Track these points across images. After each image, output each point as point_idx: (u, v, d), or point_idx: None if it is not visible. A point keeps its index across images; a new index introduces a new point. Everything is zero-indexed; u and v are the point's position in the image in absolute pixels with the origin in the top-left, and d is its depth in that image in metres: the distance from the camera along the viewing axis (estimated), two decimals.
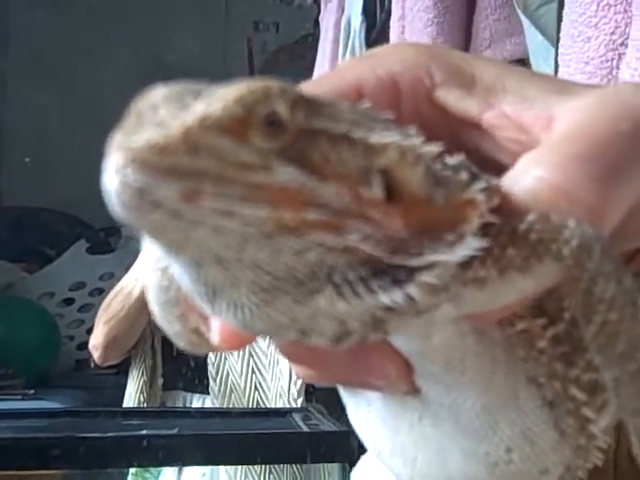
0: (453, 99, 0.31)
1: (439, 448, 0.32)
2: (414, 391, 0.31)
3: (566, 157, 0.28)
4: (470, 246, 0.27)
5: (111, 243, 2.60)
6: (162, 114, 0.25)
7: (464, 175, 0.28)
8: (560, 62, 0.53)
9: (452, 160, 0.28)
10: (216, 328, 0.30)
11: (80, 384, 2.32)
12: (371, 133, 0.27)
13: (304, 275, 0.26)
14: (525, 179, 0.28)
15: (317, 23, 1.87)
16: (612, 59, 0.48)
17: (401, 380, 0.30)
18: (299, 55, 2.47)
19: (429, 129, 0.29)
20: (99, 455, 1.26)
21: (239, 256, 0.26)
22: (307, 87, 0.31)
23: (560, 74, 0.52)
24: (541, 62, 0.66)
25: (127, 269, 1.66)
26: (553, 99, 0.30)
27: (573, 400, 0.30)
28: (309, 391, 1.64)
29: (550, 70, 0.58)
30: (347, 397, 0.35)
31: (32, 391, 2.17)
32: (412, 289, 0.26)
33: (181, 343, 0.35)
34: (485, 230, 0.27)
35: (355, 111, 0.28)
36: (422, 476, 0.33)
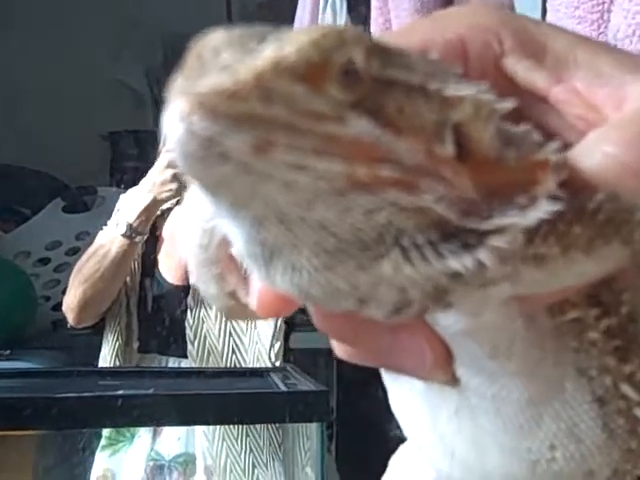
0: (521, 69, 0.29)
1: (476, 442, 0.31)
2: (453, 382, 0.29)
3: (637, 135, 0.26)
4: (543, 209, 0.25)
5: (87, 202, 2.57)
6: (226, 58, 0.23)
7: (535, 136, 0.26)
8: (548, 7, 0.51)
9: (521, 128, 0.27)
10: (256, 292, 0.29)
11: (56, 344, 2.31)
12: (446, 85, 0.26)
13: (371, 238, 0.25)
14: (593, 155, 0.26)
15: None
16: (603, 2, 0.46)
17: (439, 367, 0.29)
18: (281, 11, 2.43)
19: None
20: (74, 415, 1.25)
21: (305, 214, 0.24)
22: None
23: (548, 19, 0.51)
24: (527, 11, 0.65)
25: (102, 228, 1.65)
26: (627, 78, 0.28)
27: (625, 399, 0.29)
28: (287, 352, 1.65)
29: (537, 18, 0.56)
30: (389, 382, 0.34)
31: (8, 351, 2.15)
32: (483, 254, 0.25)
33: (216, 306, 0.34)
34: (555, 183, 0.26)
35: (428, 62, 0.27)
36: (461, 470, 0.32)
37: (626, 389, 0.29)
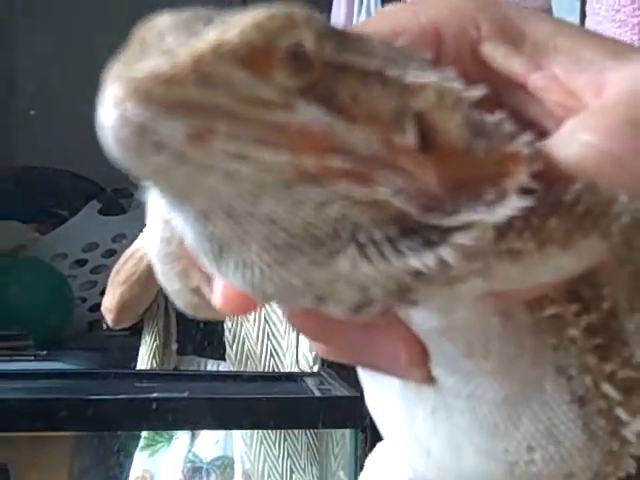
0: (499, 55, 0.28)
1: (452, 443, 0.29)
2: (430, 380, 0.28)
3: (618, 121, 0.25)
4: (512, 205, 0.24)
5: (123, 204, 2.59)
6: (169, 41, 0.22)
7: (507, 127, 0.25)
8: (588, 11, 0.50)
9: (493, 117, 0.25)
10: (219, 289, 0.27)
11: (92, 346, 2.32)
12: (407, 71, 0.24)
13: (324, 233, 0.23)
14: (571, 144, 0.25)
15: None
16: None
17: (414, 365, 0.28)
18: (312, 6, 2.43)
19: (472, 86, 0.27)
20: (109, 417, 1.26)
21: (252, 208, 0.23)
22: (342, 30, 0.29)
23: (587, 24, 0.50)
24: (565, 15, 0.64)
25: (139, 231, 1.66)
26: (608, 64, 0.27)
27: (606, 398, 0.27)
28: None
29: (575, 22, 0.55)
30: (365, 378, 0.32)
31: (44, 352, 2.17)
32: (446, 252, 0.23)
33: (180, 303, 0.32)
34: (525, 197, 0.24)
35: (389, 48, 0.25)
36: (436, 469, 0.31)
37: (607, 389, 0.27)
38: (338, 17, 1.67)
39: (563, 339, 0.27)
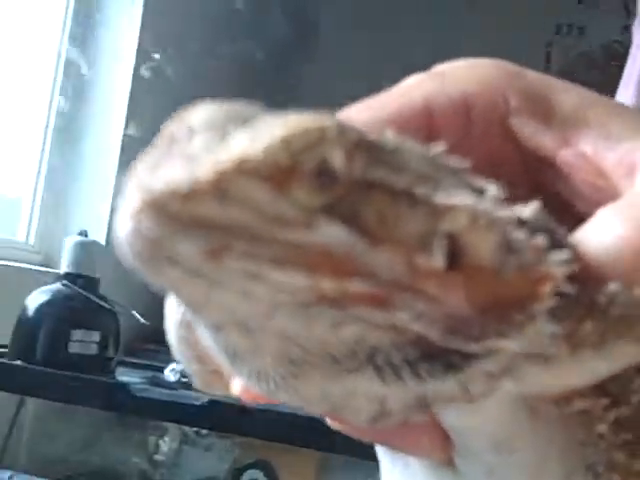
0: (527, 131, 0.27)
1: None
2: (450, 463, 0.27)
3: None
4: (542, 332, 0.23)
5: None
6: (196, 144, 0.21)
7: (541, 240, 0.23)
8: None
9: (527, 212, 0.23)
10: (237, 381, 0.27)
11: None
12: (438, 191, 0.23)
13: (340, 352, 0.23)
14: (602, 237, 0.24)
15: (626, 30, 1.77)
16: None
17: (435, 451, 0.27)
18: (600, 65, 2.36)
19: (500, 161, 0.26)
20: (356, 442, 1.28)
21: (266, 325, 0.22)
22: (372, 105, 0.27)
23: None
24: None
25: None
26: (639, 141, 0.25)
27: None
28: None
29: None
30: (382, 453, 0.31)
31: None
32: (469, 378, 0.23)
33: (197, 382, 0.32)
34: (557, 299, 0.23)
35: (425, 159, 0.24)
36: None
37: None
38: (628, 84, 1.59)
39: (592, 434, 0.26)
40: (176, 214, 0.20)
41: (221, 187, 0.21)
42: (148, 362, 1.71)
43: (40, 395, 1.57)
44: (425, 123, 0.27)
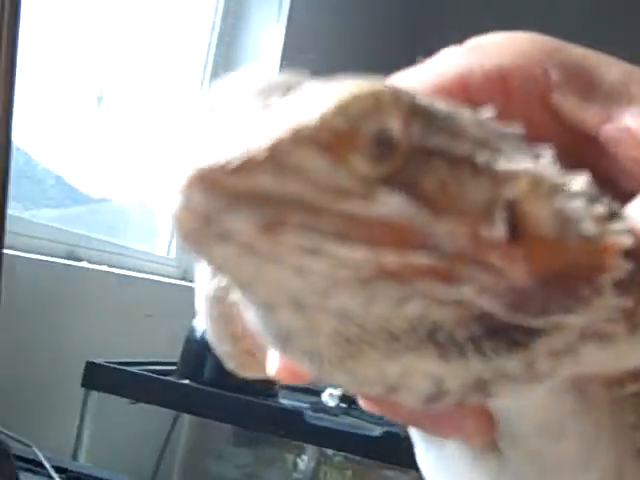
0: (569, 106, 0.26)
1: None
2: (493, 449, 0.26)
3: None
4: (609, 304, 0.21)
5: None
6: (241, 116, 0.20)
7: (600, 208, 0.22)
8: None
9: (580, 181, 0.22)
10: (275, 361, 0.26)
11: None
12: (499, 156, 0.21)
13: (400, 329, 0.21)
14: None
15: None
16: None
17: (478, 434, 0.26)
18: None
19: (540, 137, 0.24)
20: None
21: (322, 302, 0.21)
22: (405, 77, 0.26)
23: None
24: None
25: None
26: None
27: None
28: None
29: None
30: (417, 438, 0.30)
31: None
32: (534, 356, 0.22)
33: (230, 364, 0.30)
34: (623, 270, 0.21)
35: (479, 124, 0.22)
36: None
37: None
38: None
39: None
40: (228, 188, 0.19)
41: (276, 157, 0.19)
42: (307, 386, 1.69)
43: (209, 416, 1.55)
44: (461, 98, 0.25)
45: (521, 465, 0.26)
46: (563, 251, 0.21)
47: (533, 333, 0.22)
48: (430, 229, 0.20)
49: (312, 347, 0.22)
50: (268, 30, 2.07)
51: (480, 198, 0.21)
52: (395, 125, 0.20)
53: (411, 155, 0.20)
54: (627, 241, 0.21)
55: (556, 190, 0.22)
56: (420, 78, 0.26)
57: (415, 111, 0.21)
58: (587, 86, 0.26)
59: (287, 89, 0.21)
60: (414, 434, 0.30)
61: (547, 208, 0.21)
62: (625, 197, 0.24)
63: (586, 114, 0.26)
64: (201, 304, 0.30)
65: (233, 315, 0.28)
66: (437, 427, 0.26)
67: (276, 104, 0.20)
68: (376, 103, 0.20)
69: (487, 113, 0.23)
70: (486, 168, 0.21)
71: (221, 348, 0.30)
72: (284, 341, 0.23)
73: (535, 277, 0.21)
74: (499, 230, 0.21)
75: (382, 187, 0.20)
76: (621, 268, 0.21)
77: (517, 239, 0.21)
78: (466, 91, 0.26)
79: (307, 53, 2.06)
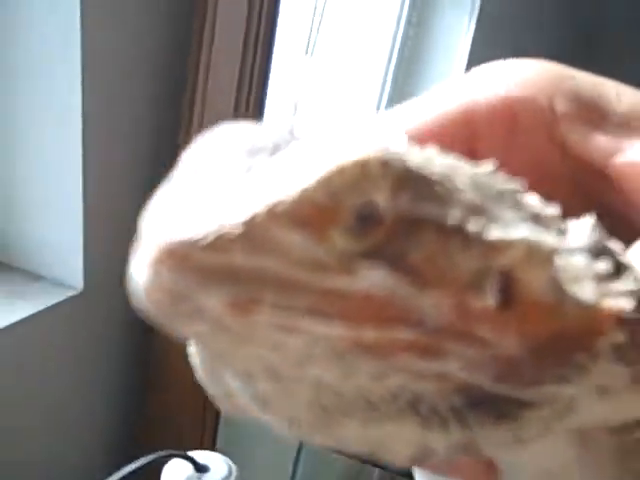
0: (576, 138, 0.25)
1: None
2: None
3: None
4: (606, 370, 0.20)
5: None
6: (219, 181, 0.19)
7: (603, 265, 0.20)
8: None
9: (584, 229, 0.21)
10: None
11: None
12: (493, 223, 0.20)
13: (379, 399, 0.20)
14: None
15: None
16: None
17: (479, 479, 0.25)
18: None
19: (547, 171, 0.24)
20: None
21: (299, 374, 0.20)
22: (408, 112, 0.25)
23: None
24: None
25: None
26: None
27: None
28: None
29: None
30: (419, 474, 0.29)
31: None
32: (521, 430, 0.21)
33: (222, 407, 0.27)
34: (623, 334, 0.20)
35: (476, 185, 0.21)
36: None
37: None
38: None
39: None
40: (200, 264, 0.18)
41: (251, 234, 0.18)
42: None
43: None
44: (466, 133, 0.25)
45: None
46: (559, 316, 0.20)
47: (522, 404, 0.21)
48: (414, 303, 0.19)
49: (290, 415, 0.22)
50: (456, 25, 2.07)
51: (470, 268, 0.20)
52: (381, 197, 0.19)
53: (397, 226, 0.19)
54: (627, 305, 0.20)
55: (554, 254, 0.20)
56: (423, 114, 0.25)
57: (405, 179, 0.19)
58: (596, 117, 0.25)
59: (275, 148, 0.20)
60: (417, 473, 0.30)
61: (543, 274, 0.20)
62: (636, 233, 0.23)
63: (594, 146, 0.25)
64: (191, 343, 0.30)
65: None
66: (440, 469, 0.25)
67: (258, 169, 0.19)
68: (362, 175, 0.19)
69: (488, 167, 0.22)
70: (478, 237, 0.20)
71: (212, 390, 0.29)
72: (262, 406, 0.22)
73: (527, 345, 0.20)
74: (489, 299, 0.19)
75: (363, 261, 0.19)
76: (620, 333, 0.20)
77: (509, 306, 0.20)
78: (470, 125, 0.25)
79: (494, 48, 2.05)
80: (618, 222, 0.23)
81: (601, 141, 0.25)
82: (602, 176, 0.25)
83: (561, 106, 0.25)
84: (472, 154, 0.24)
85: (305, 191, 0.18)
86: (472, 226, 0.20)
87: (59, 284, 1.06)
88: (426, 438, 0.21)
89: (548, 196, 0.22)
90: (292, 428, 0.22)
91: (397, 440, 0.21)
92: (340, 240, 0.18)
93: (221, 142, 0.20)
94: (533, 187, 0.22)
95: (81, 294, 1.05)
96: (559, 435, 0.23)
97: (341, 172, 0.18)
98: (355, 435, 0.21)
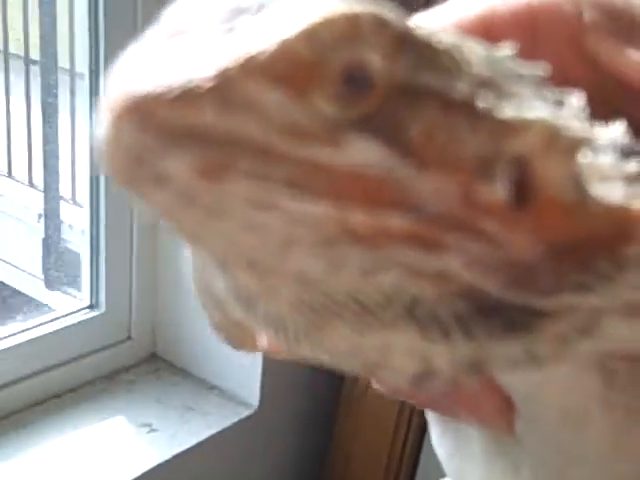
0: (604, 49, 0.23)
1: None
2: (513, 434, 0.23)
3: None
4: (634, 281, 0.18)
5: None
6: (196, 36, 0.17)
7: (632, 166, 0.18)
8: None
9: (611, 134, 0.18)
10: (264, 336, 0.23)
11: None
12: (507, 101, 0.17)
13: (373, 302, 0.18)
14: None
15: None
16: None
17: (496, 418, 0.23)
18: None
19: (571, 84, 0.21)
20: None
21: (280, 265, 0.18)
22: (425, 18, 0.23)
23: None
24: None
25: None
26: None
27: None
28: None
29: None
30: (432, 418, 0.27)
31: None
32: (535, 344, 0.18)
33: (222, 336, 0.26)
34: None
35: (491, 62, 0.18)
36: None
37: None
38: None
39: None
40: (166, 122, 0.16)
41: (222, 89, 0.16)
42: None
43: None
44: (483, 39, 0.22)
45: (542, 453, 0.23)
46: (581, 218, 0.18)
47: (537, 314, 0.18)
48: (412, 185, 0.17)
49: (275, 314, 0.19)
50: None
51: (477, 151, 0.17)
52: (374, 57, 0.17)
53: (394, 95, 0.17)
54: None
55: (578, 145, 0.18)
56: (439, 18, 0.23)
57: (404, 41, 0.17)
58: (626, 28, 0.23)
59: (260, 8, 0.18)
60: (430, 416, 0.27)
61: (564, 166, 0.18)
62: None
63: (624, 59, 0.23)
64: (190, 273, 0.27)
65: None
66: (453, 408, 0.23)
67: (241, 27, 0.17)
68: (352, 29, 0.16)
69: (506, 50, 0.19)
70: (488, 115, 0.17)
71: (211, 319, 0.27)
72: (246, 306, 0.20)
73: (543, 247, 0.18)
74: (499, 191, 0.17)
75: (353, 132, 0.17)
76: None
77: (524, 202, 0.18)
78: (489, 31, 0.23)
79: None
80: None
81: (631, 53, 0.23)
82: (632, 91, 0.23)
83: (589, 15, 0.23)
84: None
85: (285, 43, 0.16)
86: (482, 102, 0.17)
87: (233, 398, 1.02)
88: (428, 351, 0.19)
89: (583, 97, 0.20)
90: (279, 334, 0.20)
91: (396, 352, 0.19)
92: (324, 104, 0.16)
93: (205, 3, 0.18)
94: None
95: (256, 413, 1.01)
96: (580, 364, 0.21)
97: (328, 23, 0.16)
98: (348, 344, 0.19)
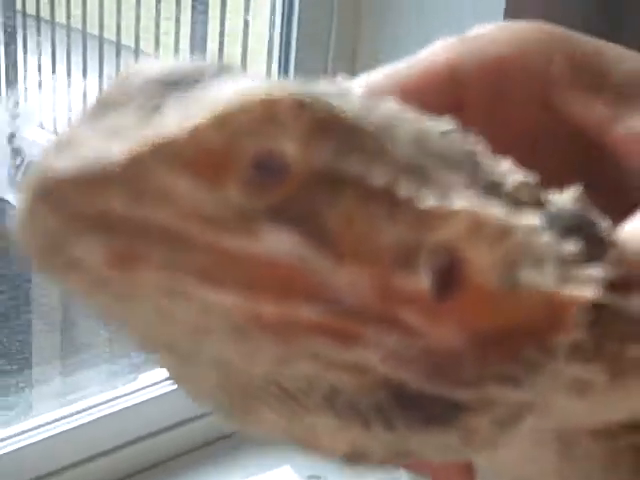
0: (573, 103, 0.23)
1: None
2: None
3: None
4: (564, 372, 0.17)
5: None
6: (124, 116, 0.17)
7: (572, 245, 0.18)
8: None
9: (562, 200, 0.18)
10: None
11: None
12: (431, 188, 0.17)
13: (295, 388, 0.18)
14: None
15: None
16: None
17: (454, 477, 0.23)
18: None
19: (538, 138, 0.22)
20: None
21: (196, 351, 0.17)
22: (393, 71, 0.23)
23: None
24: None
25: None
26: None
27: None
28: None
29: None
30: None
31: None
32: (456, 437, 0.18)
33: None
34: (594, 312, 0.17)
35: (420, 142, 0.18)
36: None
37: None
38: None
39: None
40: (77, 207, 0.16)
41: (132, 176, 0.16)
42: None
43: None
44: (452, 93, 0.23)
45: None
46: (509, 306, 0.17)
47: (456, 407, 0.18)
48: (327, 276, 0.16)
49: (205, 396, 0.19)
50: None
51: (398, 241, 0.17)
52: (289, 144, 0.16)
53: (312, 182, 0.16)
54: (589, 294, 0.17)
55: (506, 231, 0.17)
56: (407, 70, 0.23)
57: (325, 126, 0.17)
58: (595, 81, 0.23)
59: (194, 83, 0.17)
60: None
61: (491, 254, 0.17)
62: (633, 207, 0.20)
63: (592, 113, 0.22)
64: None
65: None
66: (407, 469, 0.23)
67: (167, 105, 0.17)
68: (267, 115, 0.16)
69: (446, 124, 0.19)
70: (409, 203, 0.17)
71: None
72: (176, 381, 0.19)
73: (468, 338, 0.17)
74: (422, 281, 0.17)
75: (266, 220, 0.16)
76: (578, 325, 0.17)
77: (449, 292, 0.17)
78: (457, 86, 0.23)
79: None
80: (614, 198, 0.21)
81: (599, 107, 0.23)
82: (599, 145, 0.23)
83: (558, 69, 0.23)
84: (458, 111, 0.21)
85: (196, 130, 0.16)
86: (402, 190, 0.17)
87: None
88: (354, 436, 0.18)
89: (533, 165, 0.19)
90: (217, 412, 0.19)
91: (324, 435, 0.18)
92: (235, 192, 0.16)
93: (144, 72, 0.18)
94: (517, 154, 0.19)
95: None
96: (535, 439, 0.20)
97: (243, 109, 0.16)
98: (276, 427, 0.19)
